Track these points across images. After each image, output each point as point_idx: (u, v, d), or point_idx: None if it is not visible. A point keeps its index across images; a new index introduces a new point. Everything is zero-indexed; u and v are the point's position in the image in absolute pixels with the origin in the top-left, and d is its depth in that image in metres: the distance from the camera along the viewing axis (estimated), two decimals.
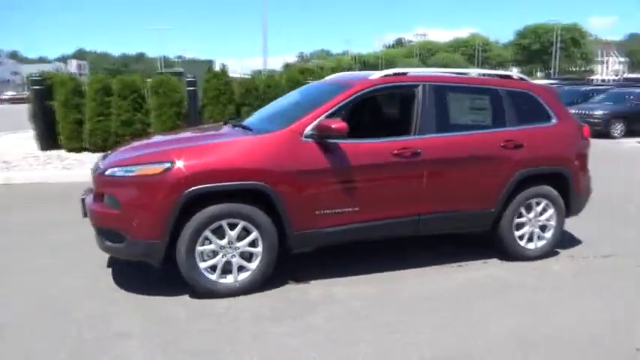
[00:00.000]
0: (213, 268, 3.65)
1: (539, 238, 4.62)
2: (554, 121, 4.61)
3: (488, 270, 4.39)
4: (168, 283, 3.87)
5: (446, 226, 4.32)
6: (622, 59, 73.29)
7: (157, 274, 4.02)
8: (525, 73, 60.57)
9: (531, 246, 4.60)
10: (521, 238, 4.55)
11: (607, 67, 71.70)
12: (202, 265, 3.61)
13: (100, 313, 3.45)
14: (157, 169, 3.46)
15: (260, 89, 9.99)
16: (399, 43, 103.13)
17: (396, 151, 3.96)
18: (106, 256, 4.42)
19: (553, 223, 4.64)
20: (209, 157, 3.58)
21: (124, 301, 3.64)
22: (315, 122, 3.78)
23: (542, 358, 2.99)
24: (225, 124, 4.87)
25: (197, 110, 9.60)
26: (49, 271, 4.20)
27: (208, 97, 9.56)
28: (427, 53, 65.24)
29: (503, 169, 4.33)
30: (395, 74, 4.21)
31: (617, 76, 35.64)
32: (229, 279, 3.69)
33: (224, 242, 3.63)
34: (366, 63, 71.93)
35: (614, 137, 14.74)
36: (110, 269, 4.23)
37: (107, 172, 3.61)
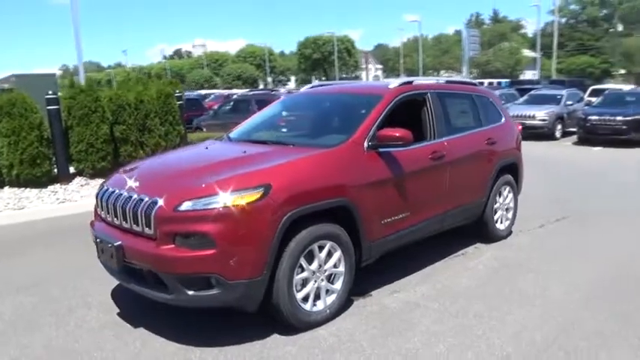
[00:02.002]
0: (305, 298, 3.35)
1: (506, 219, 5.43)
2: (503, 119, 5.46)
3: (486, 253, 4.98)
4: (214, 328, 3.41)
5: (458, 219, 4.76)
6: (379, 66, 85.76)
7: (184, 321, 3.51)
8: (307, 81, 66.02)
9: (502, 227, 5.38)
10: (496, 221, 5.28)
11: (368, 74, 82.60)
12: (298, 296, 3.29)
13: None
14: (254, 194, 3.02)
15: (132, 105, 8.91)
16: (178, 54, 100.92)
17: (430, 156, 4.22)
18: (96, 323, 3.62)
19: (512, 204, 5.51)
20: (298, 176, 3.29)
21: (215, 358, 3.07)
22: (371, 133, 3.79)
23: (624, 295, 3.67)
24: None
25: (62, 133, 8.06)
26: None
27: (75, 116, 8.09)
28: (215, 64, 65.62)
29: (489, 164, 4.99)
30: (405, 83, 4.45)
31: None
32: (319, 306, 3.44)
33: (314, 267, 3.38)
34: (150, 75, 68.46)
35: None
36: (134, 330, 3.46)
37: (182, 207, 2.98)
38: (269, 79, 60.44)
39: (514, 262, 4.70)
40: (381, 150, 3.81)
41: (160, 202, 3.05)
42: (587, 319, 3.52)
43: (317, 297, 3.43)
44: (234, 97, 18.86)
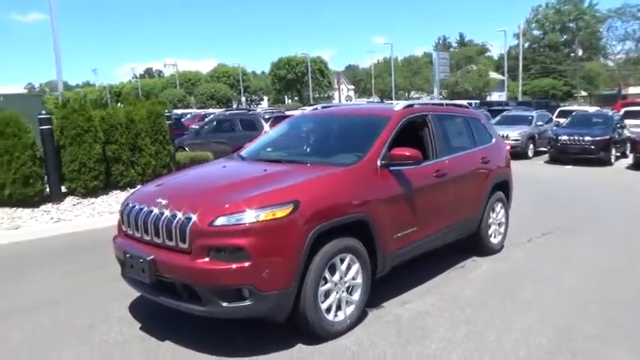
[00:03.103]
0: (327, 309, 3.53)
1: (498, 233, 5.75)
2: (494, 140, 5.82)
3: (483, 266, 5.26)
4: (238, 339, 3.55)
5: (457, 233, 5.03)
6: (351, 87, 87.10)
7: (208, 333, 3.63)
8: (280, 101, 66.45)
9: (495, 241, 5.68)
10: (490, 235, 5.58)
11: (340, 94, 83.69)
12: (322, 306, 3.47)
13: None
14: (284, 210, 3.21)
15: (123, 125, 8.97)
16: (149, 73, 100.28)
17: (434, 174, 4.50)
18: (121, 338, 3.72)
19: (504, 220, 5.83)
20: (322, 192, 3.50)
21: None
22: (383, 152, 4.04)
23: (613, 302, 3.97)
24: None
25: (55, 152, 8.05)
26: None
27: (68, 136, 8.10)
28: (188, 83, 65.48)
29: (484, 181, 5.30)
30: (408, 106, 4.74)
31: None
32: (340, 316, 3.62)
33: (336, 279, 3.57)
34: (120, 94, 67.75)
35: None
36: (161, 343, 3.56)
37: (217, 223, 3.14)
38: (243, 99, 60.59)
39: (510, 273, 4.99)
40: (392, 168, 4.06)
41: (194, 217, 3.20)
42: (584, 323, 3.81)
43: (338, 308, 3.61)
44: (214, 116, 18.88)
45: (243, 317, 3.34)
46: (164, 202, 3.46)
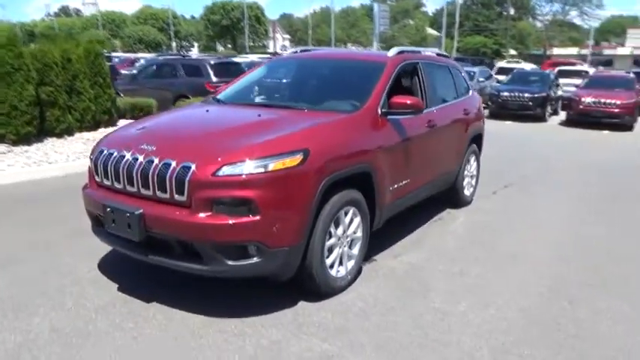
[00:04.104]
0: (331, 265, 3.33)
1: (470, 186, 5.78)
2: (471, 92, 5.74)
3: (460, 218, 5.29)
4: (231, 299, 3.31)
5: (441, 185, 4.97)
6: (286, 36, 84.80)
7: (196, 294, 3.37)
8: (211, 48, 63.29)
9: (468, 193, 5.71)
10: (464, 188, 5.59)
11: (275, 43, 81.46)
12: (327, 261, 3.27)
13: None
14: (294, 159, 2.90)
15: (59, 64, 8.01)
16: (65, 11, 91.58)
17: (426, 124, 4.34)
18: (100, 301, 3.37)
19: (475, 172, 5.86)
20: (330, 141, 3.22)
21: (268, 331, 2.97)
22: (383, 100, 3.80)
23: (587, 252, 4.12)
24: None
25: None
26: None
27: None
28: (111, 24, 60.39)
29: (465, 134, 5.25)
30: (400, 52, 4.48)
31: None
32: (342, 271, 3.44)
33: (340, 233, 3.36)
34: (33, 34, 61.43)
35: None
36: (148, 305, 3.23)
37: (221, 172, 2.79)
38: (173, 44, 57.03)
39: (487, 224, 5.06)
40: (389, 117, 3.84)
41: (194, 167, 2.82)
42: (570, 273, 3.91)
43: (339, 263, 3.43)
44: (150, 60, 17.51)
45: (248, 276, 3.05)
46: (151, 148, 3.03)
